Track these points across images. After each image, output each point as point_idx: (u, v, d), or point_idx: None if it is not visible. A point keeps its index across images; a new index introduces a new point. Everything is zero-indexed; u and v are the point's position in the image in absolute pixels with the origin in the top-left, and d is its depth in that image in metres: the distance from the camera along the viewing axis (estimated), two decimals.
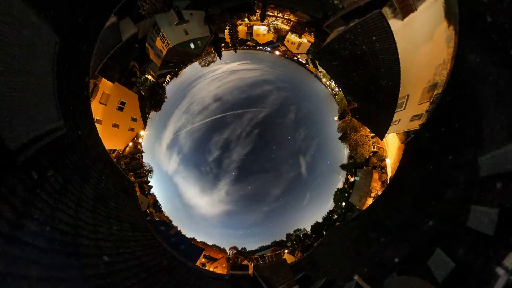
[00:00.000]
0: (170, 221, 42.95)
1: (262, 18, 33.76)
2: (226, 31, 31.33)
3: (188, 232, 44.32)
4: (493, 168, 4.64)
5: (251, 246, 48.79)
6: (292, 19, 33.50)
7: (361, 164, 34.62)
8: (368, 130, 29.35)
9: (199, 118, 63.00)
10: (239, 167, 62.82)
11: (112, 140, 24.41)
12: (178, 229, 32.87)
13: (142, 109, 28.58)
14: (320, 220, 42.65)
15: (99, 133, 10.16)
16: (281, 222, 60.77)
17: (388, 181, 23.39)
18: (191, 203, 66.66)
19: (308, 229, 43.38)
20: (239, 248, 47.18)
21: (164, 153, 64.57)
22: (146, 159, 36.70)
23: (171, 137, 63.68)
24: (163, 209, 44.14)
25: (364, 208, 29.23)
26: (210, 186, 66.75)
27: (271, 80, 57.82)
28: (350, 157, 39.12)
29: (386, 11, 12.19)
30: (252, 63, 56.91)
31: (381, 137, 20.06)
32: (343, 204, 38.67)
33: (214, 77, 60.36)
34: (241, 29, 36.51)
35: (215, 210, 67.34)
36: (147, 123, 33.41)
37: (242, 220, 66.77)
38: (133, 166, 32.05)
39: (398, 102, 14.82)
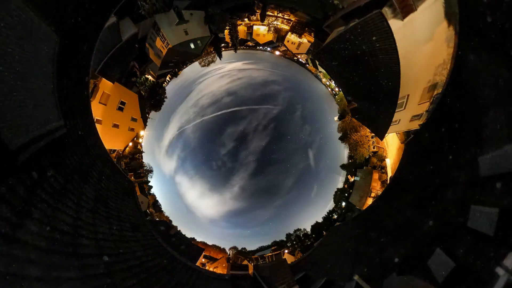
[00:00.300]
0: (170, 221, 42.96)
1: (262, 18, 33.76)
2: (226, 31, 31.32)
3: (188, 232, 44.43)
4: (493, 168, 4.64)
5: (251, 246, 48.90)
6: (292, 19, 33.50)
7: (361, 164, 34.62)
8: (368, 130, 29.34)
9: (210, 110, 63.42)
10: (257, 159, 63.94)
11: (112, 140, 24.40)
12: (178, 229, 32.83)
13: (142, 109, 28.56)
14: (320, 220, 42.70)
15: (99, 133, 10.16)
16: (283, 220, 61.69)
17: (388, 181, 23.38)
18: (196, 202, 66.71)
19: (308, 229, 43.42)
20: (239, 248, 47.20)
21: (165, 151, 64.82)
22: (146, 159, 36.74)
23: (176, 133, 63.79)
24: (163, 209, 44.22)
25: (364, 208, 29.22)
26: (222, 182, 66.07)
27: (278, 81, 60.62)
28: (350, 157, 39.12)
29: (386, 11, 12.18)
30: (256, 63, 58.52)
31: (381, 137, 20.06)
32: (343, 204, 38.67)
33: (222, 74, 61.86)
34: (241, 29, 36.50)
35: (223, 209, 67.11)
36: (147, 123, 33.41)
37: (252, 217, 66.82)
38: (133, 166, 32.03)
39: (398, 102, 14.82)
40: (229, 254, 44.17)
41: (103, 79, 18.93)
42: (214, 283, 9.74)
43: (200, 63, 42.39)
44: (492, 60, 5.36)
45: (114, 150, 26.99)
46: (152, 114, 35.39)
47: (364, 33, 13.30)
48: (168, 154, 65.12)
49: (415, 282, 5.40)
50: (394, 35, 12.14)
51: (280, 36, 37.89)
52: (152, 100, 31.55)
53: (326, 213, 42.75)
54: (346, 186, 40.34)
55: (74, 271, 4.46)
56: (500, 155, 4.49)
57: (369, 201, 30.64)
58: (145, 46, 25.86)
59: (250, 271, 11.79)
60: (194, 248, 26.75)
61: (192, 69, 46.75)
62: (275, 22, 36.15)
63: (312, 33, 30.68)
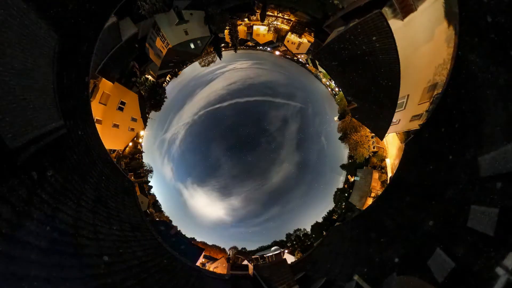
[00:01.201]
0: (170, 221, 43.00)
1: (262, 18, 33.77)
2: (226, 31, 31.32)
3: (188, 232, 44.47)
4: (493, 168, 4.64)
5: (251, 246, 48.92)
6: (292, 19, 33.50)
7: (361, 164, 34.61)
8: (368, 130, 29.35)
9: (246, 93, 67.65)
10: (299, 138, 69.52)
11: (112, 140, 24.41)
12: (178, 229, 32.85)
13: (142, 109, 28.59)
14: (320, 220, 42.69)
15: (99, 133, 10.16)
16: (284, 220, 63.22)
17: (388, 181, 23.37)
18: (202, 200, 68.01)
19: (308, 229, 43.43)
20: (239, 248, 47.22)
21: (169, 145, 66.42)
22: (146, 159, 36.79)
23: (199, 113, 66.53)
24: (163, 208, 44.26)
25: (364, 208, 29.20)
26: (272, 161, 69.88)
27: (290, 83, 65.57)
28: (350, 157, 39.11)
29: (386, 11, 12.19)
30: (262, 63, 61.96)
31: (381, 137, 20.07)
32: (343, 204, 38.66)
33: (244, 68, 65.20)
34: (241, 29, 36.50)
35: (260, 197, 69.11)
36: (147, 123, 33.45)
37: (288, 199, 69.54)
38: (133, 166, 32.06)
39: (398, 102, 14.82)
40: (229, 254, 44.19)
41: (103, 79, 18.94)
42: (214, 283, 9.74)
43: (200, 63, 42.41)
44: (492, 60, 5.36)
45: (114, 150, 27.00)
46: (152, 114, 35.47)
47: (364, 33, 13.31)
48: (173, 151, 67.37)
49: (415, 282, 5.40)
50: (394, 35, 12.15)
51: (280, 36, 37.89)
52: (152, 100, 31.60)
53: (326, 213, 42.77)
54: (346, 186, 40.34)
55: (74, 271, 4.46)
56: (500, 155, 4.49)
57: (369, 201, 30.65)
58: (145, 46, 25.86)
59: (250, 271, 11.79)
60: (194, 248, 26.85)
61: (192, 69, 47.00)
62: (275, 22, 36.15)
63: (312, 33, 30.69)
